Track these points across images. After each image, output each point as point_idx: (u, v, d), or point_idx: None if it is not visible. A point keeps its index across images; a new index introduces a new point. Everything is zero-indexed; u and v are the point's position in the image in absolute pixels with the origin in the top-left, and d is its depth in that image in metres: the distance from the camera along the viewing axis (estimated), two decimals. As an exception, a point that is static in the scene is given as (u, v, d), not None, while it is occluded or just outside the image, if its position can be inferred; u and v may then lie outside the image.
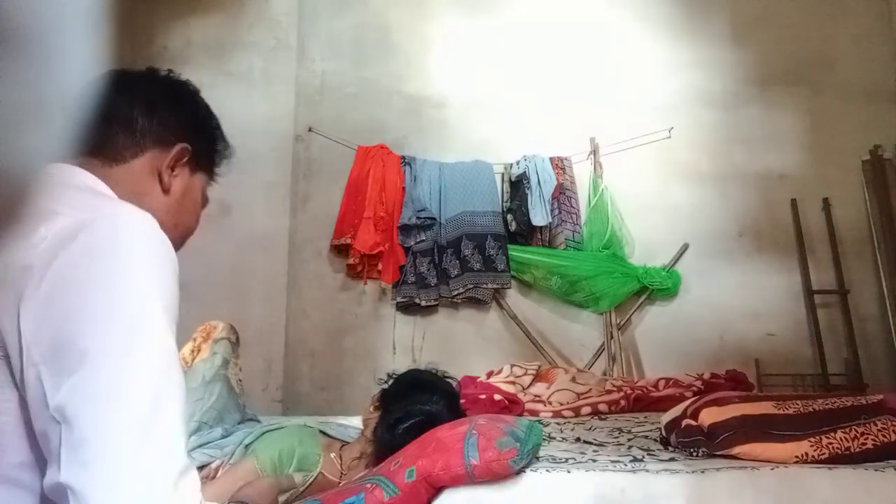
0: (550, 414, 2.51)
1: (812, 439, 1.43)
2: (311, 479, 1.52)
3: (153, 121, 0.90)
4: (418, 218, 3.28)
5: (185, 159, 0.94)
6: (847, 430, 1.45)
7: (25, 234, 0.66)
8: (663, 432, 1.71)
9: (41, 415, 0.65)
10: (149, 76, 0.96)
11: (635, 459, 1.49)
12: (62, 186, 0.76)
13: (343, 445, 1.68)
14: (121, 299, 0.67)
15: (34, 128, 0.33)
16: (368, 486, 1.29)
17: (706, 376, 2.88)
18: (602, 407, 2.53)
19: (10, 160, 0.31)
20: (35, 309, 0.64)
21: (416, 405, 1.57)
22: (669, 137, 3.49)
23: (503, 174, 3.46)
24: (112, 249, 0.69)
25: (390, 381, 1.73)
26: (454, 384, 1.77)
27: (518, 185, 3.38)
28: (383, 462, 1.44)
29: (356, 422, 1.93)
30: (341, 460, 1.60)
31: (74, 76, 0.36)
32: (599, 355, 3.32)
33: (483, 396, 2.43)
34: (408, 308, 3.34)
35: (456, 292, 3.26)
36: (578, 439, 1.86)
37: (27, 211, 0.69)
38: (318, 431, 1.71)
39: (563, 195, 3.41)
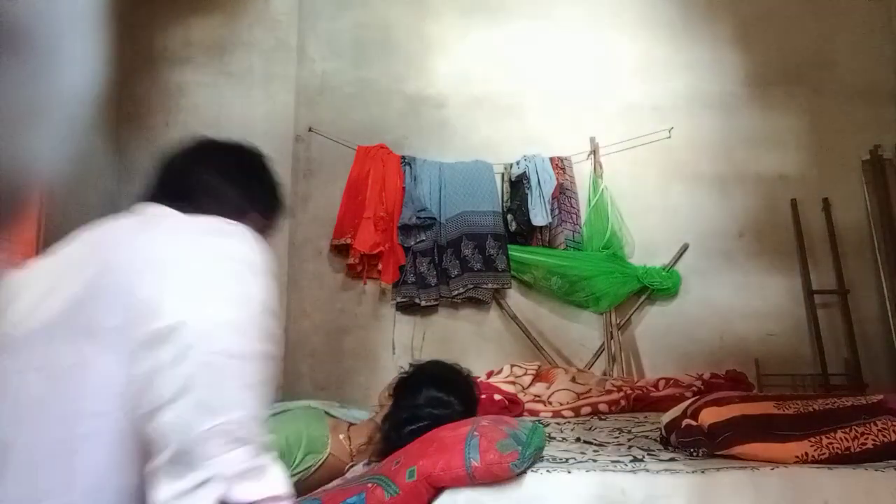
0: (550, 414, 2.51)
1: (812, 439, 1.43)
2: (321, 462, 1.51)
3: (238, 193, 1.01)
4: (418, 218, 3.28)
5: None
6: (847, 430, 1.45)
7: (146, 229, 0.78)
8: (663, 432, 1.71)
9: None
10: (233, 149, 1.08)
11: (636, 459, 1.49)
12: (173, 217, 0.87)
13: (351, 426, 1.66)
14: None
15: (35, 127, 0.33)
16: (369, 485, 1.29)
17: (706, 376, 2.88)
18: (602, 407, 2.53)
19: (13, 158, 0.31)
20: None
21: (427, 408, 1.55)
22: (669, 138, 3.49)
23: (503, 174, 3.46)
24: (239, 249, 0.79)
25: (411, 370, 1.71)
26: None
27: (518, 185, 3.38)
28: (385, 460, 1.44)
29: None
30: (350, 442, 1.59)
31: (75, 76, 0.36)
32: (599, 355, 3.31)
33: (483, 396, 2.42)
34: (408, 308, 3.34)
35: (456, 292, 3.26)
36: (578, 439, 1.86)
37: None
38: (324, 413, 1.70)
39: (563, 195, 3.41)
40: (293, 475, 1.47)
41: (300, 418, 1.59)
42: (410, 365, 1.74)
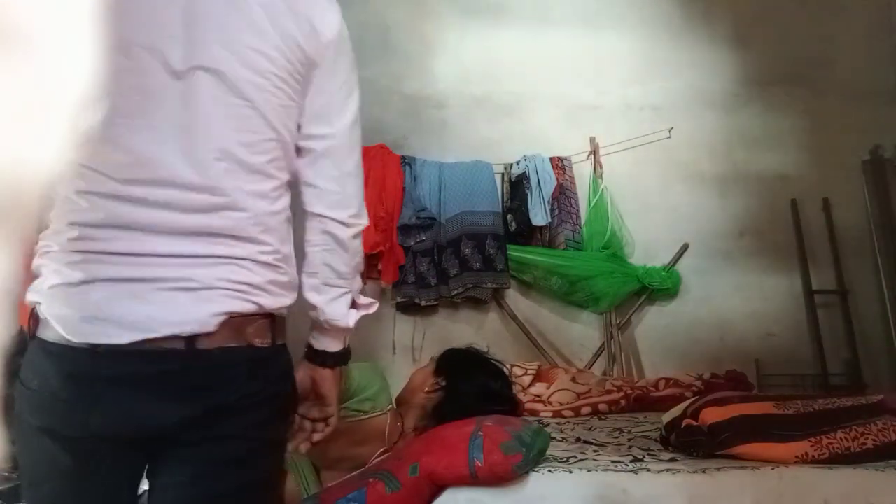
0: (550, 414, 2.52)
1: (812, 439, 1.43)
2: (372, 416, 1.49)
3: None
4: (418, 218, 3.28)
5: None
6: (847, 430, 1.45)
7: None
8: (663, 432, 1.71)
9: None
10: None
11: (636, 459, 1.49)
12: None
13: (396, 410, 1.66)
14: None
15: (33, 128, 0.33)
16: (371, 480, 1.30)
17: (706, 376, 2.88)
18: (602, 407, 2.53)
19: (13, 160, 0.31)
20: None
21: (485, 401, 1.56)
22: (669, 137, 3.49)
23: (503, 174, 3.46)
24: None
25: (450, 354, 1.71)
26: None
27: (518, 185, 3.38)
28: (387, 455, 1.44)
29: None
30: (402, 424, 1.58)
31: (75, 75, 0.36)
32: (599, 355, 3.31)
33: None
34: (408, 308, 3.34)
35: (455, 292, 3.26)
36: (578, 439, 1.86)
37: None
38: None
39: (563, 195, 3.41)
40: (344, 408, 1.45)
41: (380, 375, 1.59)
42: (449, 351, 1.73)
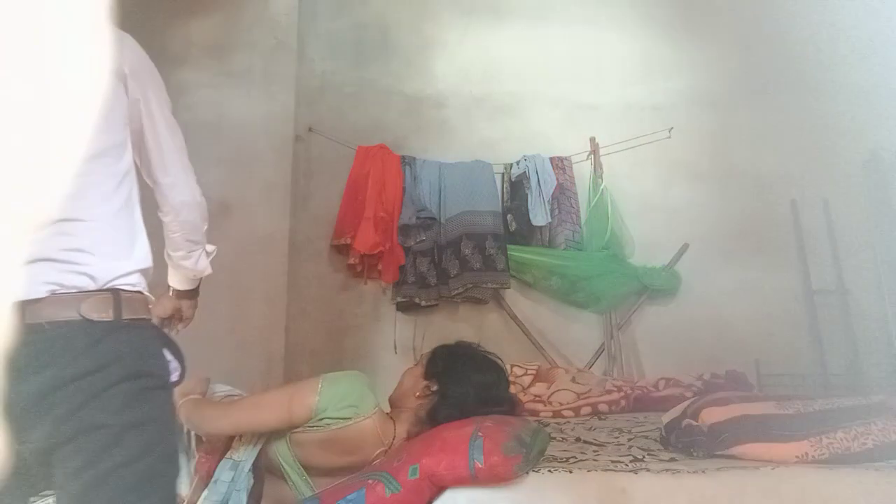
0: (550, 414, 2.51)
1: (812, 439, 1.43)
2: (356, 422, 1.43)
3: None
4: (418, 218, 3.28)
5: None
6: (847, 430, 1.45)
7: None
8: (663, 432, 1.71)
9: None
10: None
11: (636, 459, 1.49)
12: None
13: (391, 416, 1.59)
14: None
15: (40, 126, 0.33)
16: (370, 481, 1.29)
17: (706, 376, 2.88)
18: (602, 407, 2.53)
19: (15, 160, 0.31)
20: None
21: (481, 404, 1.52)
22: (669, 137, 3.49)
23: (503, 174, 3.46)
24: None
25: (443, 352, 1.65)
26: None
27: (518, 185, 3.38)
28: (386, 457, 1.43)
29: None
30: (395, 428, 1.52)
31: (77, 75, 0.36)
32: (599, 355, 3.31)
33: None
34: (408, 308, 3.34)
35: (455, 292, 3.26)
36: (578, 439, 1.86)
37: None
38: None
39: (563, 195, 3.41)
40: (327, 419, 1.42)
41: (362, 381, 1.52)
42: (438, 350, 1.66)
